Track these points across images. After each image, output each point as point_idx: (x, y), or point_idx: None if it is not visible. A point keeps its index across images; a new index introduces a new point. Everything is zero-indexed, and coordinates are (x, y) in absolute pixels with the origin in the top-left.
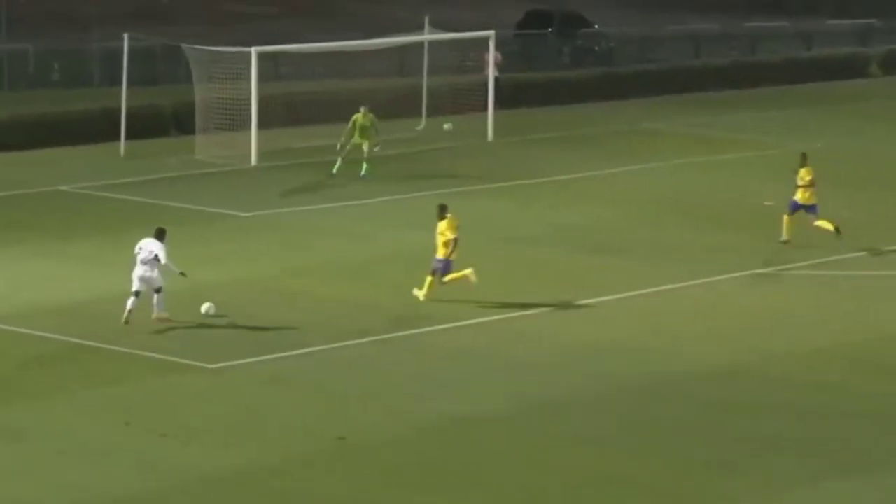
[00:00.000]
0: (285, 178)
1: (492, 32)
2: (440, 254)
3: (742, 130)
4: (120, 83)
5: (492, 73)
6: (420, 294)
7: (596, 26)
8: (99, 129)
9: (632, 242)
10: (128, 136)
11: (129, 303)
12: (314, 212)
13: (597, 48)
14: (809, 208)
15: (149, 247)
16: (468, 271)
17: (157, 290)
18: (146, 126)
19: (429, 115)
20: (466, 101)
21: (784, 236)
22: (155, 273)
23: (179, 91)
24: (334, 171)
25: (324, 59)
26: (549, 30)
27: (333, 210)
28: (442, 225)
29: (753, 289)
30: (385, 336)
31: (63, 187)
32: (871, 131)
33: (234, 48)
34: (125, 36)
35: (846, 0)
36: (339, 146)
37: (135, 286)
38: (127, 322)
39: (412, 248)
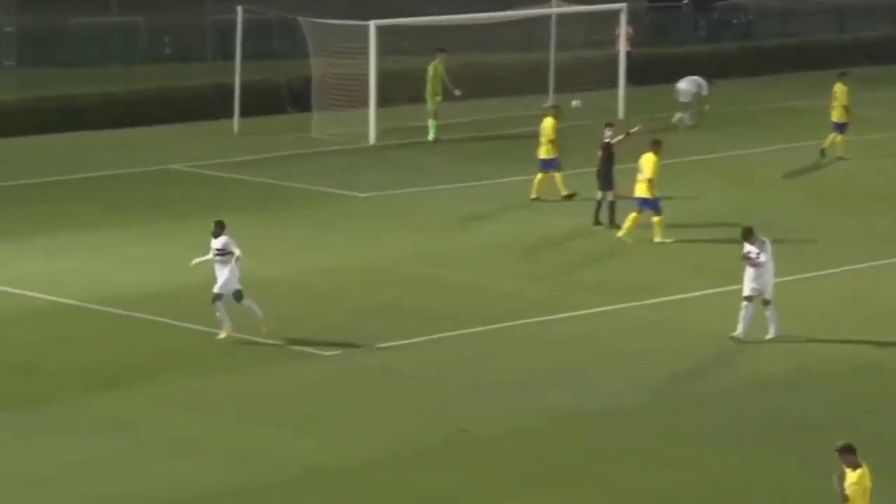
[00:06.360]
0: (404, 158)
1: (623, 5)
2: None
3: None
4: (233, 58)
5: (623, 47)
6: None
7: None
8: (212, 105)
9: (802, 227)
10: (242, 113)
11: None
12: (432, 193)
13: (735, 21)
14: None
15: None
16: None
17: None
18: (261, 102)
19: (556, 91)
20: (596, 77)
21: None
22: None
23: (296, 66)
24: (432, 136)
25: (447, 34)
26: (685, 2)
27: (455, 191)
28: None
29: None
30: (508, 324)
31: (174, 166)
32: None
33: (353, 21)
34: (238, 9)
35: None
36: (429, 106)
37: None
38: None
39: (534, 232)
